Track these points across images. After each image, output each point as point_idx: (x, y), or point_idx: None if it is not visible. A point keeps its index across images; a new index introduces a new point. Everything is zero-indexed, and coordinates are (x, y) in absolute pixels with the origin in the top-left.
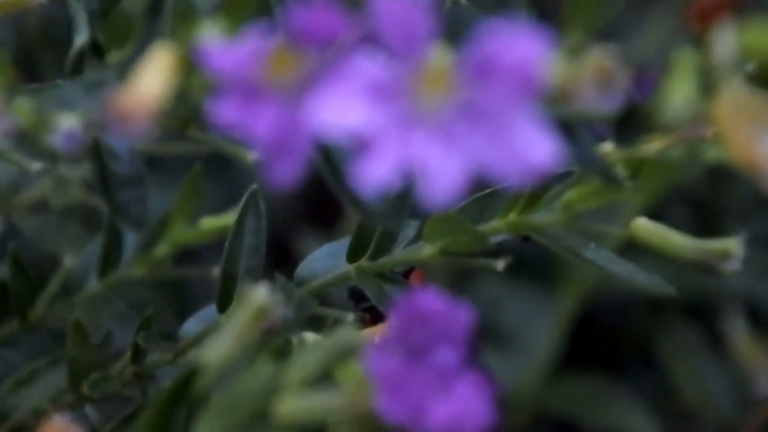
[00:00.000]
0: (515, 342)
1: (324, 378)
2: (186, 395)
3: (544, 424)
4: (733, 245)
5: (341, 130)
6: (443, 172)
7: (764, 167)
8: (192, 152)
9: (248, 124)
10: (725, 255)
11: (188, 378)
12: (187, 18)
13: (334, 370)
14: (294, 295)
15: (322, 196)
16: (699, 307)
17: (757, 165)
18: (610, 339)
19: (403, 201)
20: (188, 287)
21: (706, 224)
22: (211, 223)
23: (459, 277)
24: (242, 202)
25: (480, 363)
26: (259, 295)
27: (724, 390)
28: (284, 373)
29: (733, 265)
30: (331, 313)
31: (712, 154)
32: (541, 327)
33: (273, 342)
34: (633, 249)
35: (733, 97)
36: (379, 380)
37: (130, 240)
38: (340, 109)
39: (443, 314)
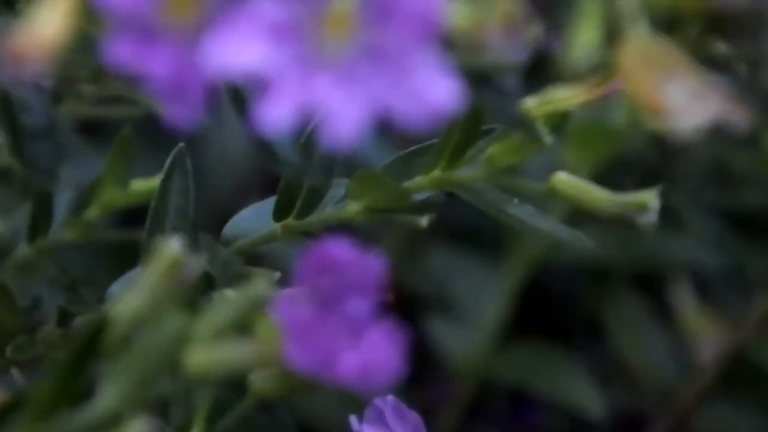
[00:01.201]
0: (463, 311)
1: (240, 330)
2: (96, 348)
3: (492, 392)
4: (649, 198)
5: (240, 71)
6: (345, 114)
7: (669, 114)
8: (130, 115)
9: (144, 64)
10: (642, 207)
11: (97, 330)
12: None
13: (248, 321)
14: (219, 254)
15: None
16: (647, 276)
17: (662, 111)
18: (559, 308)
19: (330, 158)
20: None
21: (661, 192)
22: (141, 185)
23: (407, 246)
24: (168, 162)
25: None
26: (171, 248)
27: (667, 358)
28: (195, 326)
29: (649, 218)
30: (257, 271)
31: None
32: (489, 296)
33: (186, 295)
34: (581, 216)
35: (638, 44)
36: (289, 329)
37: (64, 204)
38: (238, 50)
39: (354, 264)
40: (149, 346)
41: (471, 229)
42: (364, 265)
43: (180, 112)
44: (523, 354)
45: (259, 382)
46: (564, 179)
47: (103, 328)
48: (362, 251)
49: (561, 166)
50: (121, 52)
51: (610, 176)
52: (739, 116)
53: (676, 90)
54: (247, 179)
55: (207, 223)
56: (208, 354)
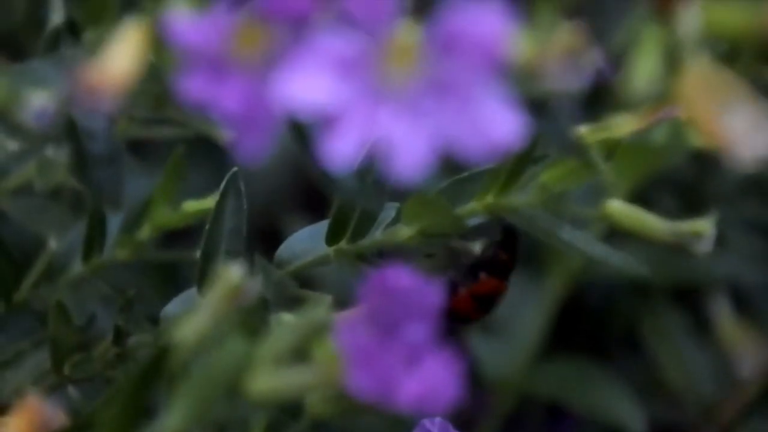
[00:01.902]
0: (502, 326)
1: (300, 355)
2: (160, 372)
3: (530, 408)
4: (705, 226)
5: (308, 105)
6: (409, 147)
7: (729, 143)
8: (178, 136)
9: (215, 100)
10: (698, 235)
11: (162, 355)
12: None
13: (309, 347)
14: (273, 276)
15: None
16: (685, 291)
17: (722, 141)
18: (597, 323)
19: (382, 182)
20: (183, 271)
21: (692, 209)
22: (193, 205)
23: (443, 263)
24: (222, 184)
25: (455, 342)
26: (232, 272)
27: (707, 373)
28: (257, 350)
29: (705, 246)
30: (310, 294)
31: (690, 136)
32: (527, 311)
33: (246, 319)
34: (620, 235)
35: (699, 74)
36: (350, 356)
37: (115, 223)
38: (307, 84)
39: (413, 291)
40: (212, 370)
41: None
42: (423, 292)
43: (249, 145)
44: (561, 369)
45: (315, 406)
46: (618, 207)
47: (168, 352)
48: (421, 278)
49: (601, 184)
50: (193, 86)
51: (649, 192)
52: None
53: (737, 119)
54: (281, 196)
55: (255, 242)
56: (270, 378)
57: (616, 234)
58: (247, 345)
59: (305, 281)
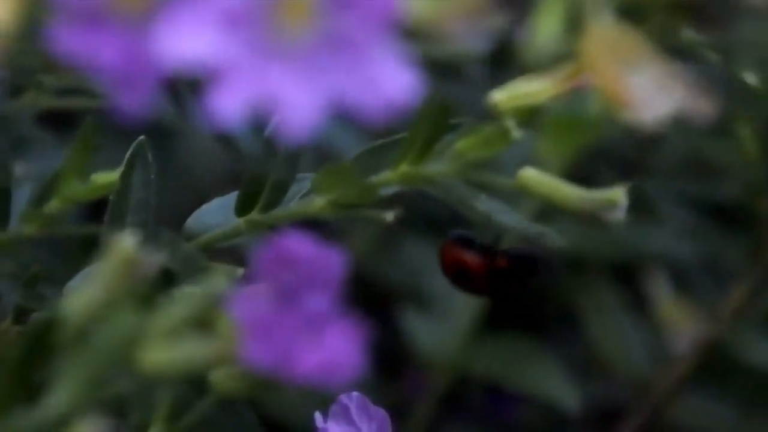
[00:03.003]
0: (438, 304)
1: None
2: (46, 348)
3: (467, 385)
4: (617, 195)
5: (190, 60)
6: (301, 105)
7: (632, 104)
8: (97, 106)
9: (92, 53)
10: (610, 204)
11: (48, 328)
12: None
13: (208, 318)
14: (180, 249)
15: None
16: (623, 267)
17: (629, 103)
18: (536, 301)
19: (296, 151)
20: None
21: (635, 184)
22: (103, 177)
23: (381, 239)
24: (128, 154)
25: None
26: (124, 243)
27: (642, 349)
28: (150, 323)
29: (617, 215)
30: (221, 267)
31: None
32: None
33: (141, 291)
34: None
35: (601, 34)
36: (247, 326)
37: (22, 198)
38: (189, 38)
39: (314, 259)
40: (102, 344)
41: (446, 221)
42: (325, 261)
43: (130, 102)
44: (497, 347)
45: (221, 380)
46: (533, 175)
47: (56, 325)
48: (323, 246)
49: (535, 158)
50: (67, 40)
51: (585, 168)
52: (704, 107)
53: (640, 80)
54: (226, 172)
55: (184, 218)
56: (164, 352)
57: (551, 209)
58: (140, 317)
59: (226, 255)
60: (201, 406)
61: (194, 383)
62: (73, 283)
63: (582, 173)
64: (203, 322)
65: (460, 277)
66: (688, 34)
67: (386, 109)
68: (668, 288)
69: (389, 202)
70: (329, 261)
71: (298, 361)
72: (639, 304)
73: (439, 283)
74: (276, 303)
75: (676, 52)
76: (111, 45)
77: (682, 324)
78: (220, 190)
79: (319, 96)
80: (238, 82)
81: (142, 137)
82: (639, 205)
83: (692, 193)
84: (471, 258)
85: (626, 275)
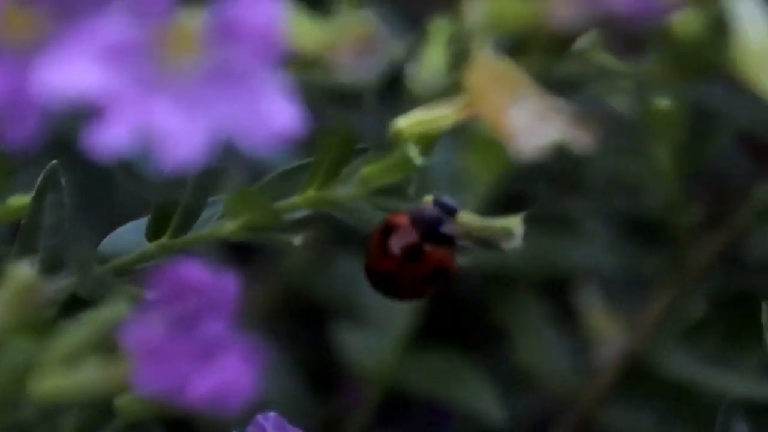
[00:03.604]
0: (371, 318)
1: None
2: None
3: (400, 399)
4: (515, 224)
5: (73, 93)
6: (185, 137)
7: (517, 136)
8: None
9: None
10: (508, 233)
11: None
12: None
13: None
14: (91, 272)
15: None
16: (549, 282)
17: (510, 134)
18: (469, 314)
19: (209, 177)
20: None
21: (562, 200)
22: (18, 200)
23: (314, 253)
24: (40, 178)
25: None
26: (21, 271)
27: (568, 362)
28: (45, 350)
29: (513, 244)
30: (132, 290)
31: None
32: (398, 304)
33: (34, 319)
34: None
35: (485, 66)
36: (139, 352)
37: None
38: (72, 71)
39: (209, 285)
40: None
41: None
42: (220, 286)
43: (16, 133)
44: (428, 361)
45: (124, 404)
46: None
47: None
48: (218, 272)
49: (465, 175)
50: None
51: (517, 184)
52: (583, 137)
53: (521, 112)
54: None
55: (98, 236)
56: (58, 379)
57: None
58: (36, 344)
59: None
60: (107, 430)
61: (101, 407)
62: None
63: (513, 190)
64: (106, 347)
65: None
66: (566, 66)
67: (271, 141)
68: (594, 301)
69: (314, 221)
70: (224, 286)
71: (192, 387)
72: (566, 317)
73: (373, 298)
74: (171, 328)
75: (556, 85)
76: None
77: (607, 336)
78: (140, 214)
79: (203, 127)
80: (121, 113)
81: (54, 162)
82: (564, 221)
83: (615, 208)
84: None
85: (554, 289)
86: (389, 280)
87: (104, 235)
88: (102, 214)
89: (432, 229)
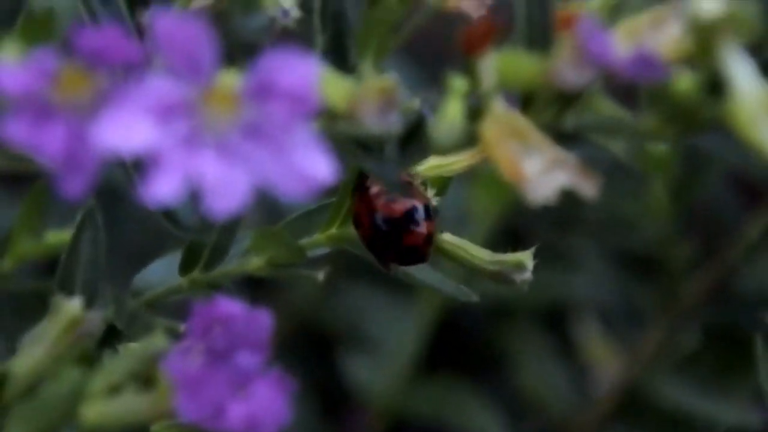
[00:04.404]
0: (378, 347)
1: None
2: None
3: (405, 426)
4: (525, 258)
5: (126, 150)
6: (228, 188)
7: (528, 183)
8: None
9: (38, 144)
10: (519, 267)
11: None
12: None
13: (150, 374)
14: (125, 306)
15: None
16: (549, 314)
17: (522, 181)
18: (470, 343)
19: (236, 217)
20: None
21: (562, 236)
22: (55, 237)
23: (323, 286)
24: (79, 217)
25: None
26: (70, 305)
27: (567, 390)
28: (91, 380)
29: (524, 277)
30: (162, 323)
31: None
32: (402, 332)
33: (81, 349)
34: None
35: (497, 119)
36: (179, 382)
37: None
38: (126, 129)
39: (243, 318)
40: (47, 399)
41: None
42: (253, 320)
43: (71, 186)
44: (433, 388)
45: (160, 430)
46: (448, 239)
47: (4, 381)
48: (250, 306)
49: (471, 211)
50: (16, 129)
51: (520, 219)
52: (587, 184)
53: (532, 161)
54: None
55: (133, 269)
56: (103, 407)
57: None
58: (82, 374)
59: (174, 310)
60: None
61: None
62: (25, 338)
63: (515, 226)
64: (146, 377)
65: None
66: (571, 119)
67: (306, 190)
68: (592, 332)
69: (329, 255)
70: (258, 320)
71: (228, 415)
72: (565, 346)
73: (379, 327)
74: (207, 360)
75: (563, 136)
76: (54, 136)
77: (605, 365)
78: (171, 246)
79: (243, 177)
80: (169, 166)
81: (92, 201)
82: (565, 255)
83: (612, 244)
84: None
85: (553, 320)
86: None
87: (134, 270)
88: (130, 250)
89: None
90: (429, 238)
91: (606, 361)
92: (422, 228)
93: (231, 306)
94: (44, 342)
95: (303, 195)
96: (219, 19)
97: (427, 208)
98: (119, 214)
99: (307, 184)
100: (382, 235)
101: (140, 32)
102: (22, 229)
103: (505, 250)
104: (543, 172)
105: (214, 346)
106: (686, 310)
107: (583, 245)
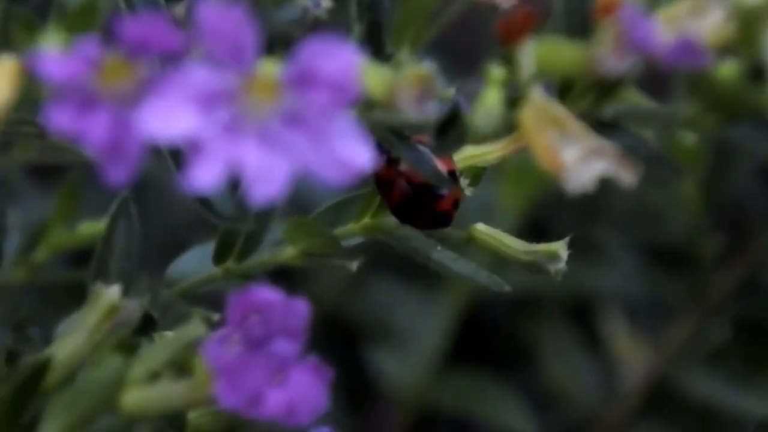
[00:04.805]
0: (404, 340)
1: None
2: (35, 389)
3: (432, 418)
4: (559, 248)
5: (170, 137)
6: (269, 175)
7: (567, 172)
8: (81, 160)
9: (82, 131)
10: (553, 257)
11: (38, 371)
12: (30, 28)
13: (186, 361)
14: (160, 296)
15: None
16: (580, 306)
17: (561, 170)
18: (496, 336)
19: (269, 206)
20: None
21: (590, 228)
22: (88, 228)
23: (349, 277)
24: (113, 208)
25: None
26: (109, 293)
27: (594, 383)
28: (130, 367)
29: (559, 266)
30: (198, 312)
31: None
32: (428, 325)
33: (119, 337)
34: None
35: (536, 108)
36: (217, 370)
37: (12, 246)
38: (168, 117)
39: (280, 307)
40: (87, 386)
41: (411, 262)
42: (290, 308)
43: (115, 174)
44: (460, 381)
45: (197, 419)
46: (482, 229)
47: (45, 368)
48: (288, 295)
49: (498, 204)
50: (60, 118)
51: (544, 213)
52: (626, 172)
53: (570, 149)
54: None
55: (161, 258)
56: (142, 394)
57: None
58: (122, 362)
59: (207, 299)
60: None
61: (173, 421)
62: (61, 327)
63: (541, 218)
64: (183, 365)
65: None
66: (610, 107)
67: (345, 177)
68: (619, 325)
69: (357, 247)
70: (295, 309)
71: (266, 402)
72: (592, 340)
73: (405, 321)
74: (245, 348)
75: (602, 124)
76: (99, 122)
77: (632, 359)
78: (199, 236)
79: (284, 165)
80: (211, 154)
81: (125, 192)
82: (592, 248)
83: (640, 236)
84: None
85: (580, 313)
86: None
87: (166, 260)
88: (163, 239)
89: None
90: (456, 203)
91: (633, 354)
92: (450, 193)
93: (269, 294)
94: (83, 330)
95: (342, 182)
96: (252, 9)
97: (453, 173)
98: (151, 204)
99: (346, 172)
100: (411, 201)
101: (175, 23)
102: (56, 220)
103: (532, 243)
104: (581, 161)
105: (251, 334)
106: (715, 303)
107: (610, 237)
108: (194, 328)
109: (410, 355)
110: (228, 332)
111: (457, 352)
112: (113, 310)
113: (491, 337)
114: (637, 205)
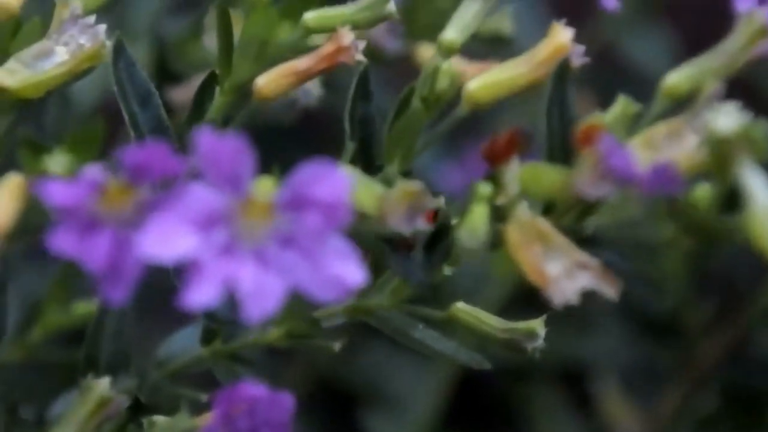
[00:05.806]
0: (400, 405)
1: None
2: None
3: None
4: (537, 326)
5: (167, 259)
6: (263, 293)
7: (552, 286)
8: None
9: (84, 254)
10: (530, 335)
11: None
12: (36, 151)
13: None
14: (148, 378)
15: None
16: (573, 373)
17: (546, 284)
18: (491, 401)
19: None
20: None
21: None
22: (83, 307)
23: (346, 344)
24: None
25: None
26: (99, 386)
27: None
28: None
29: (536, 344)
30: (186, 393)
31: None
32: (422, 390)
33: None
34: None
35: (522, 224)
36: None
37: (10, 324)
38: (168, 239)
39: (266, 401)
40: None
41: None
42: (276, 402)
43: (113, 293)
44: None
45: None
46: (462, 308)
47: None
48: (272, 389)
49: (489, 275)
50: (63, 240)
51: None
52: (608, 286)
53: (555, 263)
54: None
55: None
56: None
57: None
58: None
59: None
60: None
61: None
62: (54, 409)
63: (534, 287)
64: None
65: None
66: (591, 224)
67: (337, 292)
68: (610, 391)
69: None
70: (281, 403)
71: None
72: (584, 406)
73: (400, 385)
74: None
75: (584, 241)
76: (100, 246)
77: (624, 426)
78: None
79: (278, 283)
80: (208, 274)
81: None
82: (583, 316)
83: (630, 306)
84: None
85: (572, 380)
86: None
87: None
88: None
89: None
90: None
91: (625, 421)
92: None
93: (255, 390)
94: (74, 421)
95: (335, 299)
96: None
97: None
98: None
99: (339, 289)
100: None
101: (170, 111)
102: (51, 300)
103: (523, 312)
104: (566, 275)
105: (237, 428)
106: (704, 371)
107: (600, 306)
108: (182, 421)
109: (405, 419)
110: (215, 426)
111: (451, 416)
112: (104, 403)
113: (485, 401)
114: (627, 274)
